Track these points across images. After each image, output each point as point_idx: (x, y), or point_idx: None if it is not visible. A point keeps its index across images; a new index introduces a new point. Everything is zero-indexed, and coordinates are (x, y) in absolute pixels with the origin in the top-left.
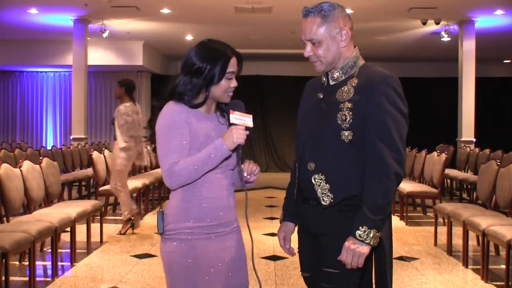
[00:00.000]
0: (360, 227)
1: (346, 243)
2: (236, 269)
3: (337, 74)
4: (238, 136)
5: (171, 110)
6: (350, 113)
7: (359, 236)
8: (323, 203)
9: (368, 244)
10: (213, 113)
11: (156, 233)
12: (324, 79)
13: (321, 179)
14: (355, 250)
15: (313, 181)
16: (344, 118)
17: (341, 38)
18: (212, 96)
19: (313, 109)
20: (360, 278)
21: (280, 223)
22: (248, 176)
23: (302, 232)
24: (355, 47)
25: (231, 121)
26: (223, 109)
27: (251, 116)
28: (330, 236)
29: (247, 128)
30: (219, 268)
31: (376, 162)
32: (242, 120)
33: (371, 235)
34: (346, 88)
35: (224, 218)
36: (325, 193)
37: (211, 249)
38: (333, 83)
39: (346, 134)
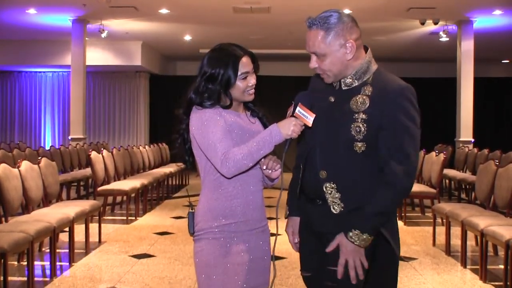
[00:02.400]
0: (354, 230)
1: (342, 248)
2: (260, 269)
3: (350, 80)
4: (294, 130)
5: (203, 109)
6: (365, 124)
7: (350, 237)
8: (333, 211)
9: (358, 245)
10: (241, 113)
11: (155, 233)
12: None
13: (332, 188)
14: (353, 253)
15: (324, 189)
16: (358, 130)
17: (346, 51)
18: (234, 98)
19: (325, 114)
20: (365, 277)
21: (286, 218)
22: (269, 171)
23: (304, 231)
24: (367, 50)
25: (294, 113)
26: (252, 109)
27: (314, 116)
28: (335, 235)
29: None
30: (243, 267)
31: (390, 175)
32: (305, 116)
33: (363, 238)
34: (360, 97)
35: (250, 217)
36: (336, 202)
37: (237, 248)
38: (346, 88)
39: (360, 145)
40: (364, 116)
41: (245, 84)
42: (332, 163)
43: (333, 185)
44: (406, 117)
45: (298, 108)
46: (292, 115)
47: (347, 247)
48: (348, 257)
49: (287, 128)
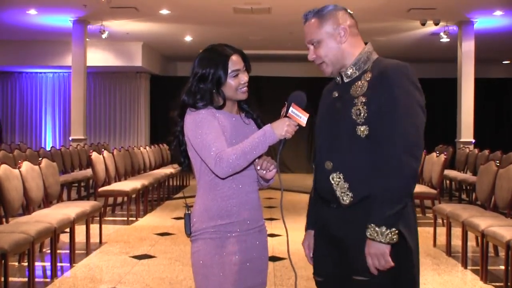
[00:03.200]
0: (369, 226)
1: (366, 249)
2: (257, 269)
3: (351, 71)
4: (288, 130)
5: (197, 111)
6: (365, 107)
7: (370, 235)
8: (343, 202)
9: (381, 242)
10: (236, 114)
11: (156, 234)
12: (338, 78)
13: (339, 178)
14: (376, 253)
15: (331, 180)
16: (358, 113)
17: (339, 35)
18: (228, 97)
19: (329, 108)
20: (392, 283)
21: (305, 231)
22: (264, 172)
23: (319, 235)
24: (366, 43)
25: (288, 113)
26: (247, 110)
27: (307, 115)
28: (356, 241)
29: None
30: (240, 267)
31: (390, 158)
32: (298, 116)
33: (382, 231)
34: (360, 83)
35: (247, 217)
36: (344, 192)
37: (234, 248)
38: (348, 80)
39: (362, 129)
40: (363, 99)
41: (237, 82)
42: (336, 152)
43: (340, 175)
44: (405, 94)
45: (291, 108)
46: (286, 116)
47: (369, 247)
48: (372, 258)
49: (281, 129)
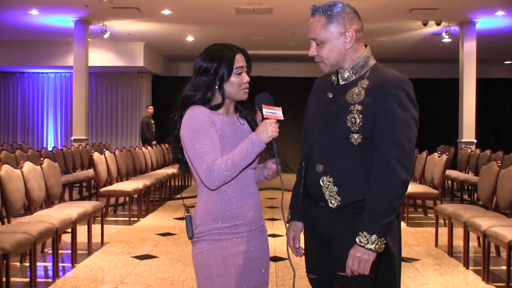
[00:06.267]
0: (361, 233)
1: (352, 251)
2: (260, 269)
3: (347, 74)
4: (272, 130)
5: (195, 113)
6: (360, 116)
7: (360, 242)
8: (330, 205)
9: (370, 250)
10: (232, 115)
11: (158, 234)
12: (333, 78)
13: (329, 182)
14: (360, 257)
15: (321, 183)
16: (353, 121)
17: (345, 40)
18: (228, 95)
19: (323, 109)
20: (374, 281)
21: (288, 223)
22: (270, 173)
23: (309, 233)
24: (366, 46)
25: (264, 115)
26: (241, 111)
27: (280, 108)
28: (342, 238)
29: (277, 121)
30: (244, 268)
31: (383, 167)
32: (273, 113)
33: (373, 240)
34: (356, 89)
35: (250, 217)
36: (332, 196)
37: (237, 249)
38: (343, 83)
39: (356, 137)
40: (359, 107)
41: (240, 80)
42: (328, 156)
43: (330, 179)
44: (401, 108)
45: (264, 110)
46: (263, 119)
47: (356, 250)
48: (354, 260)
49: (265, 131)
